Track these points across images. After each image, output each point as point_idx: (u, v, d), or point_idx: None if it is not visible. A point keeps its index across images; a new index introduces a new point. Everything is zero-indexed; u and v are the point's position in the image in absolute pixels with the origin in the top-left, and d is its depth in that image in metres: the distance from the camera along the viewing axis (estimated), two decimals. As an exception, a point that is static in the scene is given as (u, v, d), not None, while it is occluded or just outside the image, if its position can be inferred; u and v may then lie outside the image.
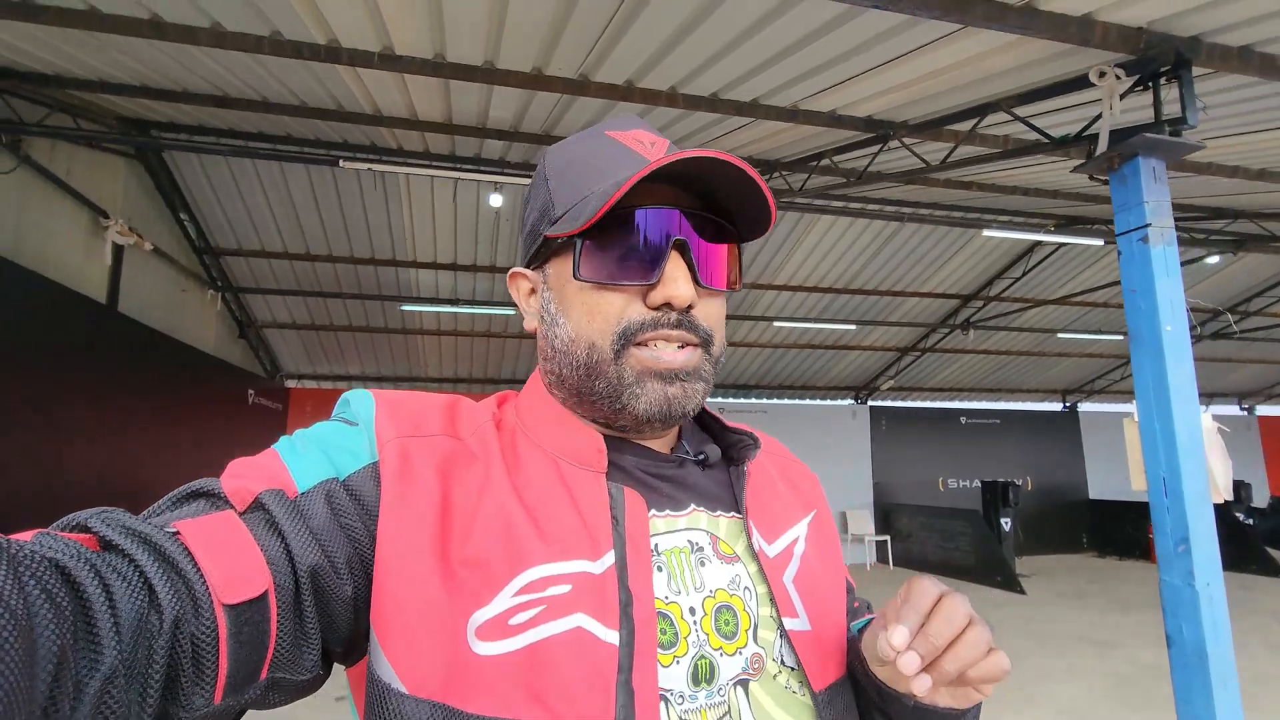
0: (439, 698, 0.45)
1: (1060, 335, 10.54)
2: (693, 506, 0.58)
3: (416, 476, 0.50)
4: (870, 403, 12.20)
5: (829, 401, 12.28)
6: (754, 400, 11.80)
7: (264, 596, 0.41)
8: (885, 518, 11.27)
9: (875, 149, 4.83)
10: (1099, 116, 3.49)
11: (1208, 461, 3.00)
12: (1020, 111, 4.12)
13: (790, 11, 3.35)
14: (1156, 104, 3.29)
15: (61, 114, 4.71)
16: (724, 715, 0.50)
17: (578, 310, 0.56)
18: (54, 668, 0.31)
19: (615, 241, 0.54)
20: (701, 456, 0.62)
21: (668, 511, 0.56)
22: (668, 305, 0.54)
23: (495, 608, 0.47)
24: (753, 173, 0.52)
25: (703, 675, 0.50)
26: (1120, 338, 10.37)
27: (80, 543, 0.37)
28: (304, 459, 0.50)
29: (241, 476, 0.47)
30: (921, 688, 0.45)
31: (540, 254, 0.59)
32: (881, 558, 11.08)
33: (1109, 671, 5.25)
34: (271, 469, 0.48)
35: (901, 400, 12.77)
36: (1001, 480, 9.89)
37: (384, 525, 0.48)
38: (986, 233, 6.41)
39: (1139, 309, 3.12)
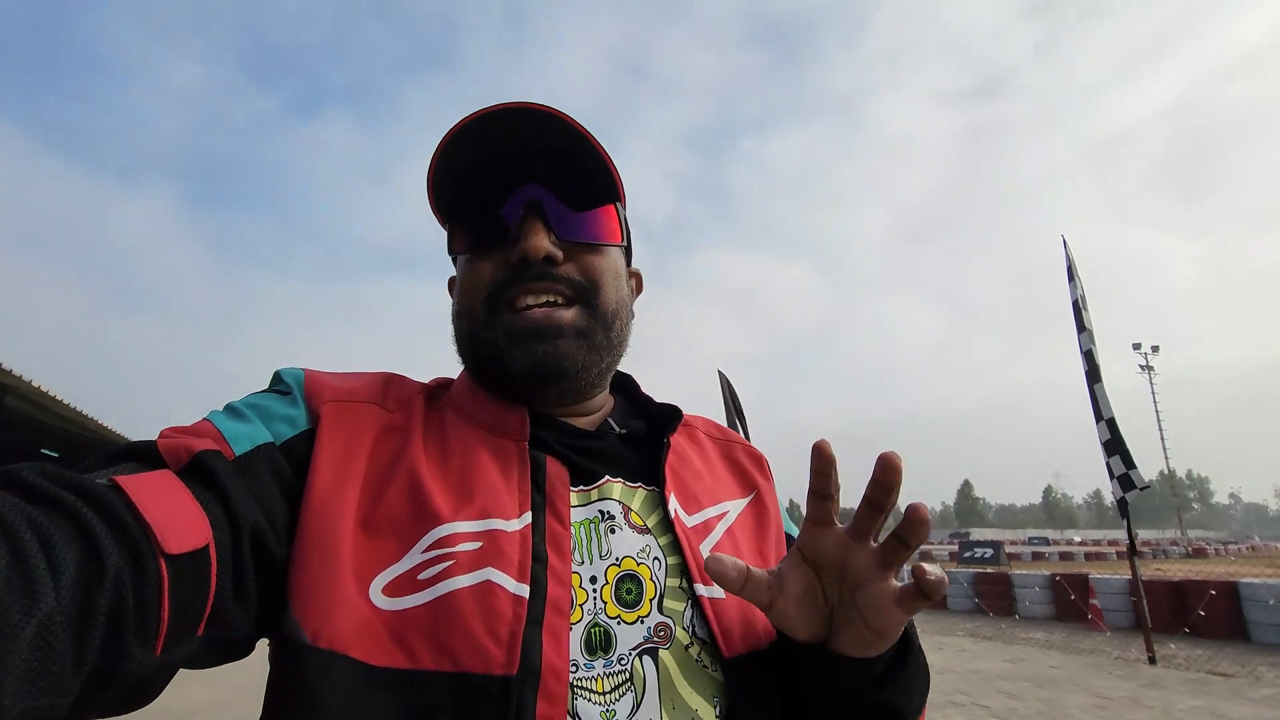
0: (341, 649, 0.45)
1: None
2: (606, 477, 0.59)
3: (344, 441, 0.53)
4: None
5: None
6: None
7: (205, 549, 0.41)
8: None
9: None
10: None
11: None
12: None
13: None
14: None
15: None
16: (624, 683, 0.50)
17: (459, 287, 0.62)
18: None
19: (477, 218, 0.60)
20: (624, 431, 0.64)
21: (580, 486, 0.57)
22: (524, 260, 0.58)
23: (403, 565, 0.49)
24: (578, 125, 0.58)
25: (597, 643, 0.51)
26: None
27: (16, 495, 0.36)
28: (239, 425, 0.50)
29: (176, 437, 0.47)
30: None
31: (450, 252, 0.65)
32: None
33: None
34: (207, 433, 0.48)
35: None
36: None
37: (310, 486, 0.50)
38: None
39: None
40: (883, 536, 0.50)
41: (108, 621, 0.35)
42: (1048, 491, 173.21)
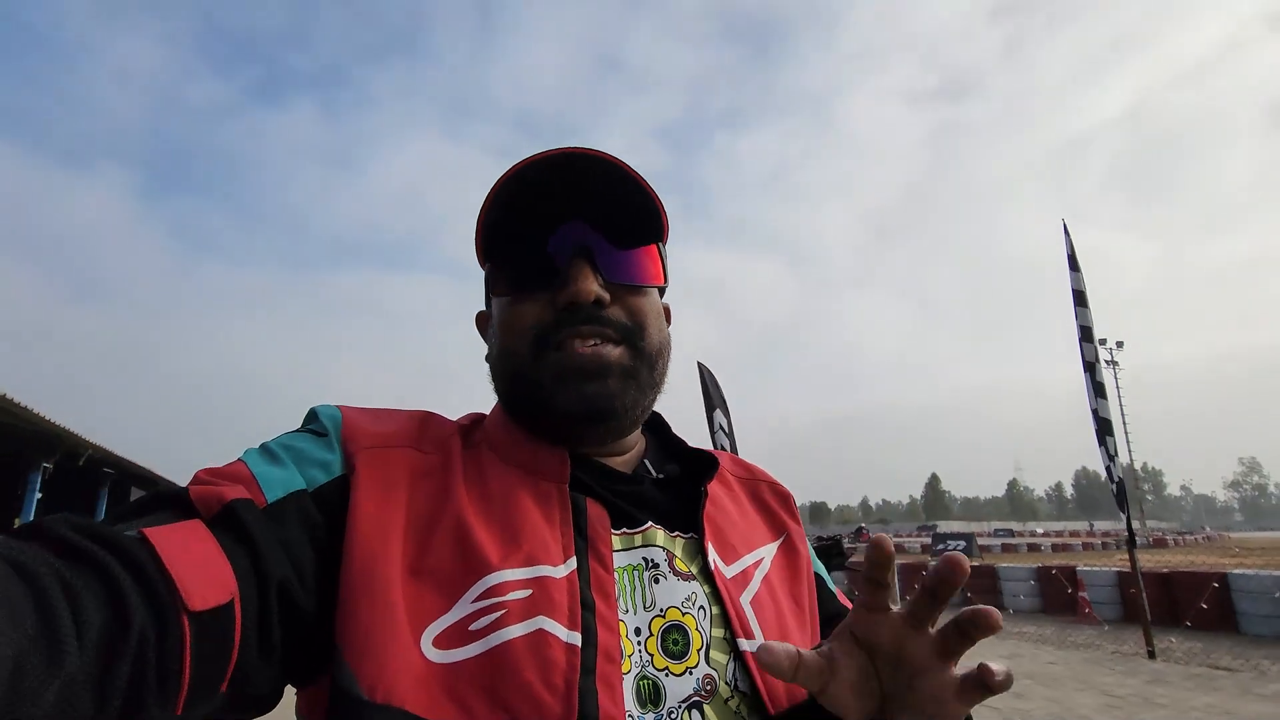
0: (397, 703, 0.44)
1: None
2: (649, 523, 0.58)
3: (382, 488, 0.51)
4: None
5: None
6: None
7: (230, 605, 0.40)
8: None
9: None
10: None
11: None
12: None
13: None
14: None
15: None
16: None
17: (501, 327, 0.61)
18: (8, 674, 0.30)
19: (524, 260, 0.60)
20: (661, 475, 0.63)
21: (624, 529, 0.56)
22: (572, 304, 0.57)
23: (453, 615, 0.47)
24: (625, 166, 0.59)
25: (647, 696, 0.50)
26: None
27: (44, 547, 0.36)
28: (273, 469, 0.49)
29: (209, 484, 0.46)
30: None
31: (488, 291, 0.65)
32: None
33: None
34: (240, 478, 0.47)
35: None
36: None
37: (351, 536, 0.48)
38: None
39: None
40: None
41: (129, 682, 0.35)
42: (1012, 484, 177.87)
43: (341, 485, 0.51)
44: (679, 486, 0.63)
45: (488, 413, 0.65)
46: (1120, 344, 45.01)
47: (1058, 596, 10.67)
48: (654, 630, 0.52)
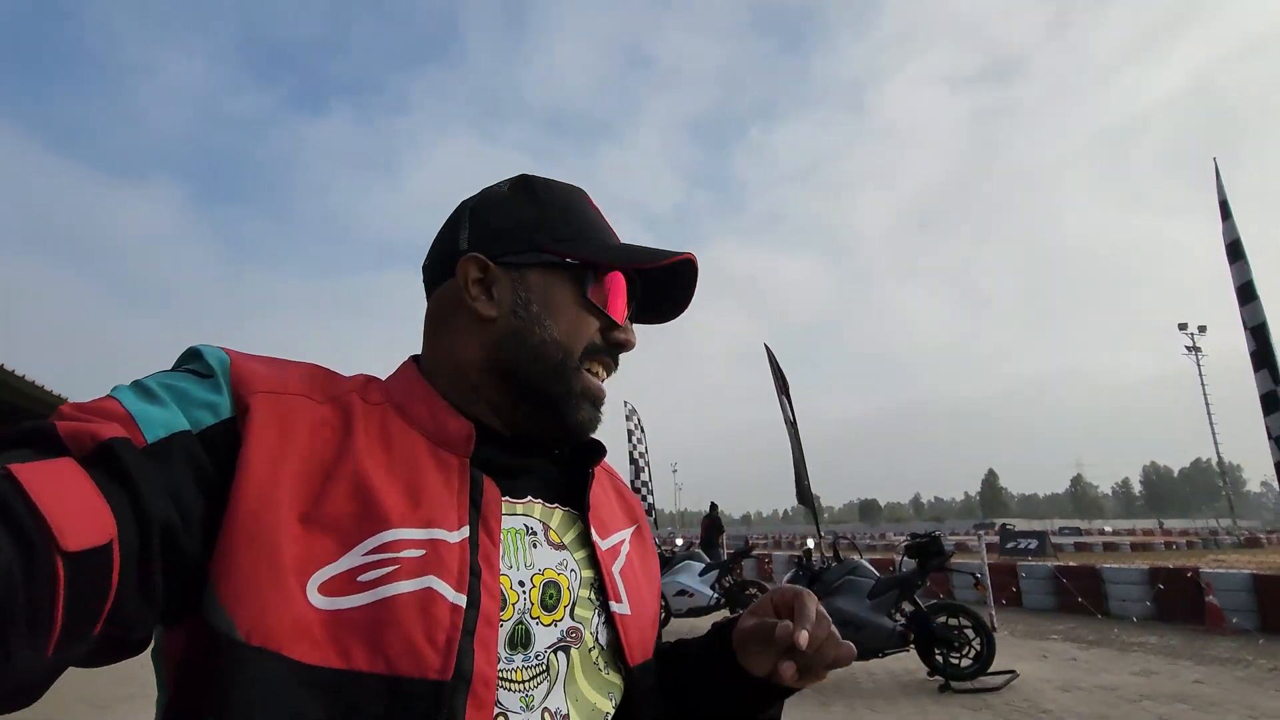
0: (275, 647, 0.44)
1: None
2: (529, 497, 0.62)
3: (278, 432, 0.50)
4: None
5: None
6: None
7: (107, 546, 0.39)
8: None
9: None
10: None
11: None
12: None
13: None
14: None
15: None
16: (540, 673, 0.55)
17: (566, 322, 0.63)
18: None
19: (613, 283, 0.64)
20: (558, 452, 0.68)
21: (508, 498, 0.60)
22: (620, 346, 0.66)
23: (342, 565, 0.48)
24: (696, 279, 0.68)
25: (519, 640, 0.55)
26: None
27: None
28: (151, 408, 0.47)
29: (80, 421, 0.43)
30: (790, 673, 0.60)
31: (517, 256, 0.63)
32: None
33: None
34: (114, 415, 0.45)
35: None
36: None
37: (241, 479, 0.47)
38: None
39: None
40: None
41: None
42: (1076, 480, 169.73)
43: (229, 428, 0.49)
44: (567, 465, 0.68)
45: (380, 376, 0.64)
46: (1203, 328, 41.84)
47: (1176, 602, 9.41)
48: (535, 583, 0.57)
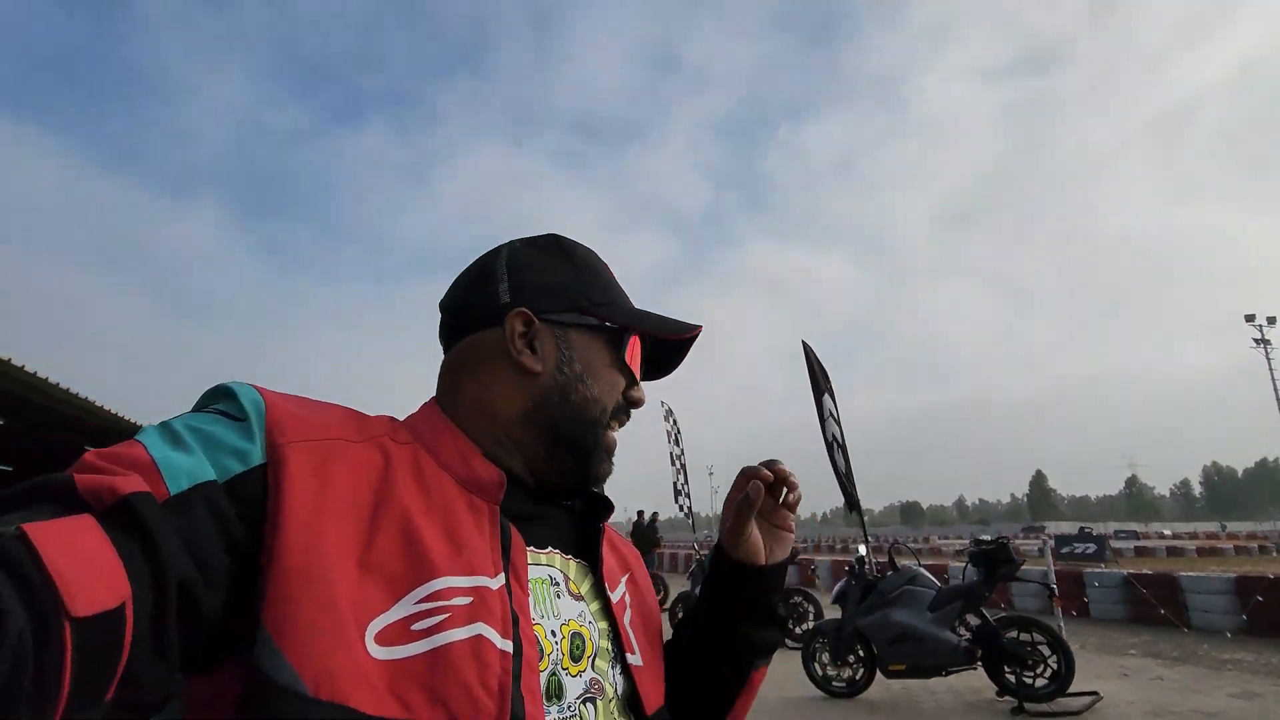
0: (341, 700, 0.44)
1: None
2: (550, 547, 0.64)
3: (318, 479, 0.50)
4: None
5: None
6: None
7: (119, 609, 0.37)
8: None
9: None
10: None
11: None
12: None
13: None
14: None
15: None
16: None
17: (604, 382, 0.67)
18: None
19: (635, 346, 0.70)
20: (569, 504, 0.70)
21: (532, 547, 0.61)
22: (637, 404, 0.71)
23: (396, 613, 0.48)
24: (691, 346, 0.75)
25: (553, 691, 0.56)
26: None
27: None
28: (177, 456, 0.46)
29: (101, 473, 0.43)
30: (756, 490, 0.67)
31: (558, 315, 0.67)
32: None
33: None
34: (138, 464, 0.44)
35: None
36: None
37: (284, 527, 0.46)
38: None
39: None
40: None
41: (3, 690, 0.32)
42: (1130, 481, 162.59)
43: (260, 476, 0.48)
44: (578, 517, 0.70)
45: (399, 417, 0.65)
46: (1272, 320, 39.37)
47: (1268, 614, 8.56)
48: (564, 634, 0.59)
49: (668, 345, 0.73)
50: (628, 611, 0.68)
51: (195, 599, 0.42)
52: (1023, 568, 5.84)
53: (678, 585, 13.06)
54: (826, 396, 9.15)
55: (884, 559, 6.66)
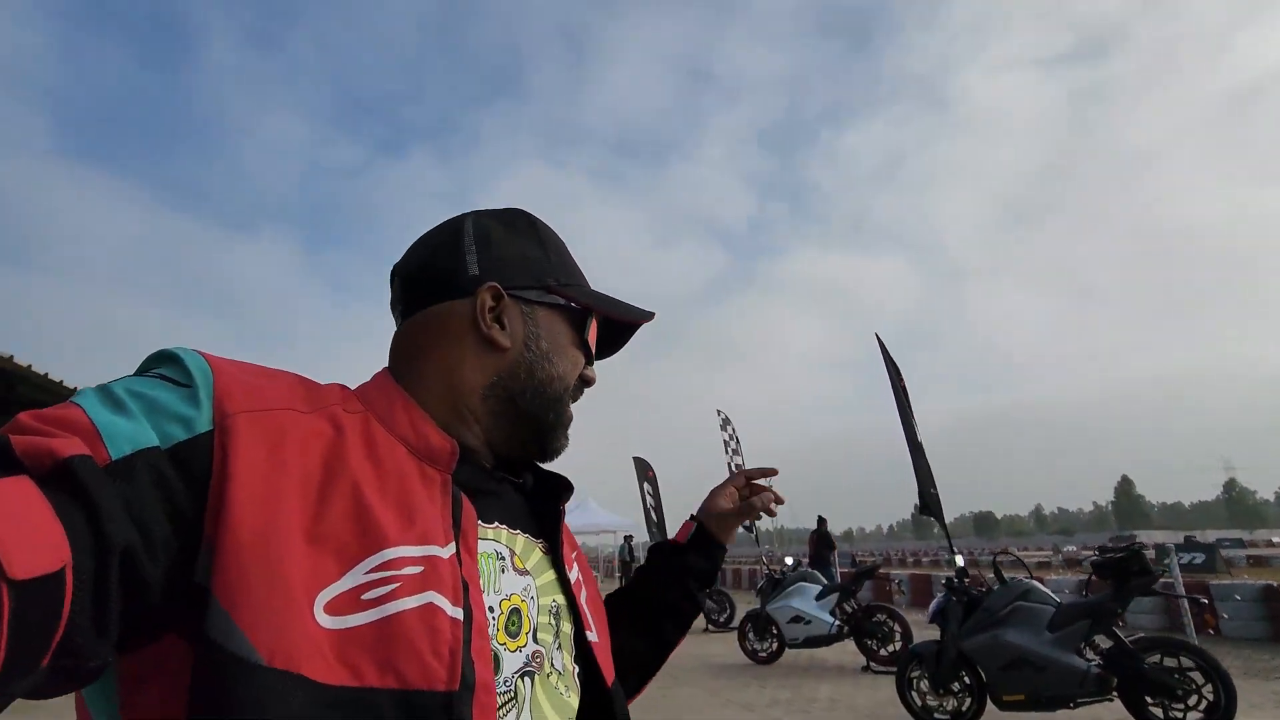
0: (294, 669, 0.44)
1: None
2: (497, 523, 0.63)
3: (267, 448, 0.49)
4: None
5: None
6: None
7: (60, 573, 0.37)
8: None
9: None
10: None
11: None
12: None
13: None
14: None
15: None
16: (510, 700, 0.56)
17: (567, 360, 0.70)
18: None
19: (593, 327, 0.73)
20: (520, 481, 0.70)
21: (479, 522, 0.60)
22: (590, 383, 0.74)
23: (346, 583, 0.48)
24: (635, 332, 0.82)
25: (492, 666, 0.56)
26: None
27: None
28: (118, 420, 0.45)
29: (38, 434, 0.42)
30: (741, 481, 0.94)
31: (525, 292, 0.68)
32: None
33: None
34: (77, 427, 0.43)
35: None
36: None
37: (231, 498, 0.46)
38: None
39: None
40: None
41: None
42: (1230, 485, 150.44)
43: (205, 444, 0.47)
44: (532, 496, 0.71)
45: (344, 386, 0.63)
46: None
47: None
48: (503, 609, 0.59)
49: (619, 328, 0.78)
50: (583, 591, 0.71)
51: (137, 567, 0.41)
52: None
53: (744, 602, 12.26)
54: (900, 394, 8.36)
55: (991, 573, 5.81)
